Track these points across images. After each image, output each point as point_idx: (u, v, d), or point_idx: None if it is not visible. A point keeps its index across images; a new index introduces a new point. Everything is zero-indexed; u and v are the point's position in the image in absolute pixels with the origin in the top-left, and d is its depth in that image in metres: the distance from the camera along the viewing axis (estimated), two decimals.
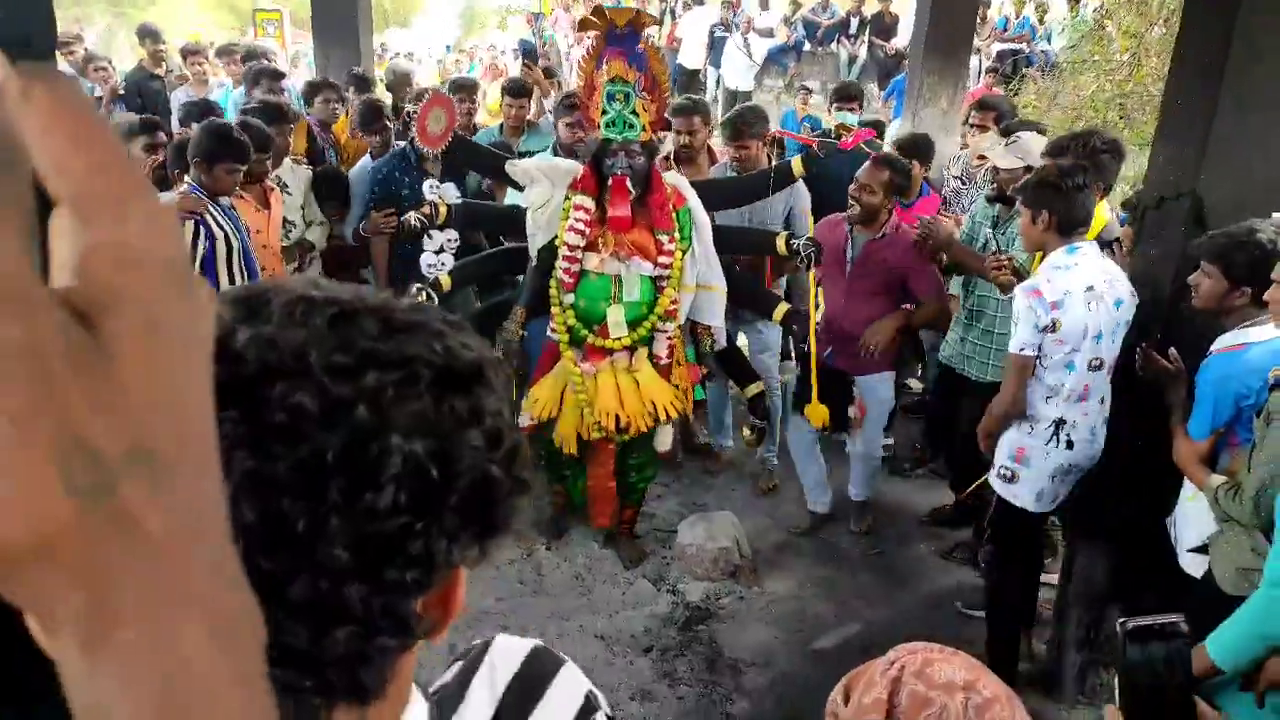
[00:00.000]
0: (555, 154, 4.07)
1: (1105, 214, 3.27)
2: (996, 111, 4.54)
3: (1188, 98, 2.60)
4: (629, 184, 2.96)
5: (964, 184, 4.62)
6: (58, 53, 6.47)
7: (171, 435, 0.24)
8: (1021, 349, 2.61)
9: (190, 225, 3.12)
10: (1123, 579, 2.80)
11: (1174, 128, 2.66)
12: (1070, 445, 2.66)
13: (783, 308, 3.38)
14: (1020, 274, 2.96)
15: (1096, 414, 2.68)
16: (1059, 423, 2.65)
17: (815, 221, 3.73)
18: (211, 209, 3.19)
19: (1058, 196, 2.58)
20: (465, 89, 5.12)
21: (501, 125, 4.93)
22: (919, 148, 4.23)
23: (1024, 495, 2.75)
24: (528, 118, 4.93)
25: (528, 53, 5.13)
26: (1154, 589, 2.52)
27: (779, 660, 3.14)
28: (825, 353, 3.55)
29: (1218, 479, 2.10)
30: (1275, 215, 2.71)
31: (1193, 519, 2.30)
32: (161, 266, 0.24)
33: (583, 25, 3.22)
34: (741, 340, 3.90)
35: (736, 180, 3.67)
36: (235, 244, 3.25)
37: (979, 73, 8.75)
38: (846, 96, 5.27)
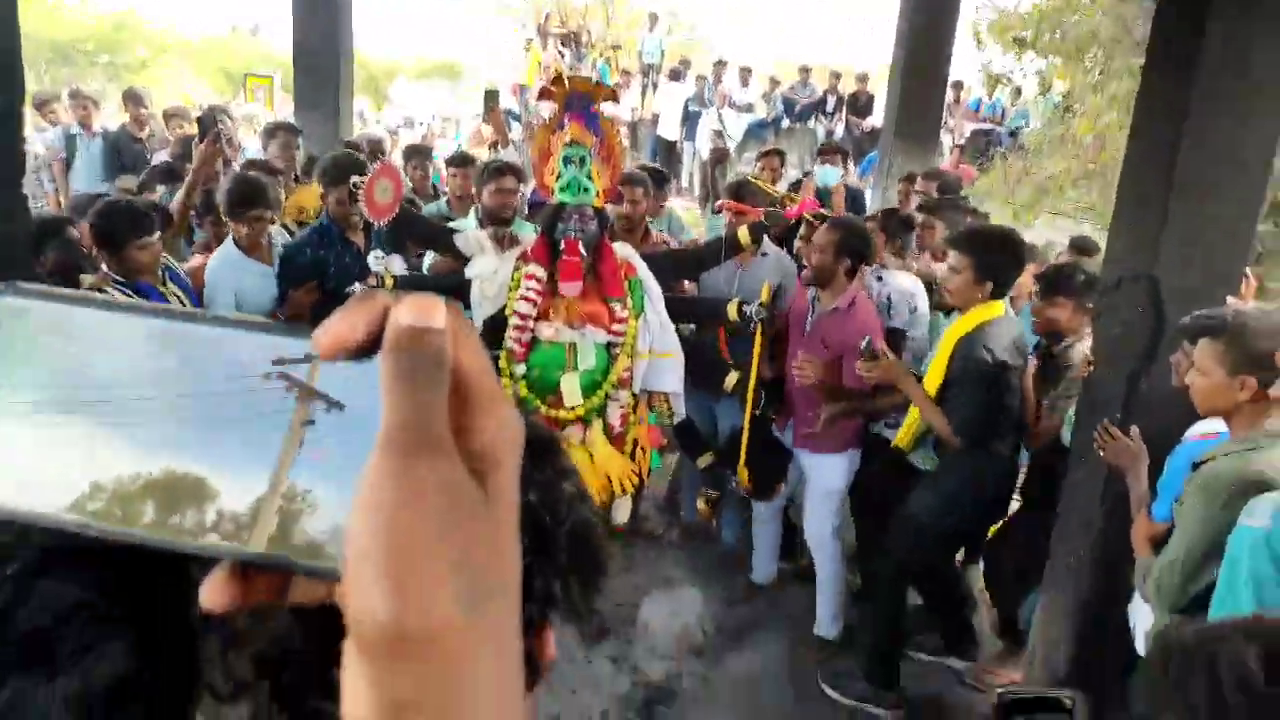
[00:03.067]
0: (480, 223, 3.89)
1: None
2: (940, 182, 4.62)
3: (1142, 185, 2.66)
4: (581, 248, 2.92)
5: None
6: (38, 111, 6.49)
7: (516, 571, 0.31)
8: None
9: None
10: (1086, 665, 2.76)
11: (1131, 213, 2.71)
12: None
13: (733, 376, 3.28)
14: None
15: None
16: None
17: None
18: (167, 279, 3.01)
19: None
20: (419, 154, 5.05)
21: (448, 200, 4.74)
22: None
23: None
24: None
25: (489, 94, 4.98)
26: (1116, 673, 2.48)
27: None
28: (786, 424, 3.52)
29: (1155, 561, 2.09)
30: (1230, 300, 2.74)
31: (1145, 606, 2.26)
32: (519, 446, 0.32)
33: (542, 95, 3.24)
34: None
35: (684, 251, 3.66)
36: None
37: (949, 150, 8.99)
38: (830, 150, 5.33)
